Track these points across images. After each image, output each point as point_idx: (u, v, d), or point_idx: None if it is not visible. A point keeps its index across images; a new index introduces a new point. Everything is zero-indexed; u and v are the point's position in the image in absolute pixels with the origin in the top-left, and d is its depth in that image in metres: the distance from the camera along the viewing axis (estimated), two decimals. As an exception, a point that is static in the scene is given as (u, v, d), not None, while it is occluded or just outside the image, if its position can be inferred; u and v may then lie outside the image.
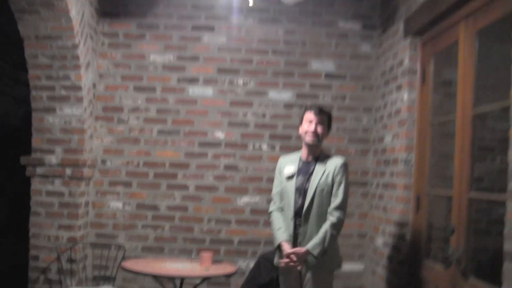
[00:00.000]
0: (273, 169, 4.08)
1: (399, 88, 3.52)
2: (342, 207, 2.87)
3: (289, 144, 4.13)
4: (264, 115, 4.17)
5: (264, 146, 4.16)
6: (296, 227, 2.91)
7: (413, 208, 3.33)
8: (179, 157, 4.14)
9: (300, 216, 2.90)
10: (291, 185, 2.95)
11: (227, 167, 4.15)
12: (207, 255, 3.48)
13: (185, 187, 4.14)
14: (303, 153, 3.02)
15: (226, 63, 4.17)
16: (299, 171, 2.97)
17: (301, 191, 2.92)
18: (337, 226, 2.86)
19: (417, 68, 3.34)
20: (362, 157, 4.14)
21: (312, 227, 2.87)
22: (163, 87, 4.16)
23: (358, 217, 4.12)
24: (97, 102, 4.14)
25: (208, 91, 4.17)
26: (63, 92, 3.81)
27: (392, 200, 3.51)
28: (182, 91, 4.15)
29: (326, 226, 2.85)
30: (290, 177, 2.97)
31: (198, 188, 4.13)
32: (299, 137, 4.14)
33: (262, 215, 4.10)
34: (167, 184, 4.14)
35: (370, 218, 4.02)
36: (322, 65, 4.20)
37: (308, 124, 2.95)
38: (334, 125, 4.09)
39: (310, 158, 2.98)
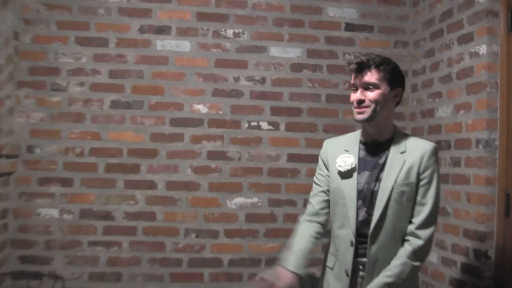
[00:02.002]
0: (277, 157, 3.78)
1: (467, 38, 3.26)
2: (431, 222, 2.34)
3: (299, 121, 3.92)
4: (263, 80, 3.91)
5: (264, 124, 3.91)
6: (357, 254, 2.39)
7: (499, 211, 2.97)
8: (142, 140, 3.81)
9: (364, 236, 2.38)
10: (350, 187, 2.42)
11: (212, 155, 3.86)
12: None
13: (151, 184, 3.80)
14: (363, 134, 2.51)
15: (209, 6, 3.91)
16: (361, 164, 2.45)
17: (366, 196, 2.40)
18: (422, 254, 2.33)
19: (499, 9, 2.99)
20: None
21: (384, 254, 2.35)
22: (119, 40, 3.82)
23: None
24: (20, 61, 3.74)
25: (184, 45, 3.88)
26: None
27: (462, 201, 3.12)
28: (146, 45, 3.85)
29: (404, 255, 2.31)
30: (347, 174, 2.45)
31: (170, 185, 3.81)
32: (315, 112, 3.84)
33: (262, 222, 3.84)
34: (125, 181, 3.79)
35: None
36: (342, 12, 4.02)
37: (353, 90, 2.45)
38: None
39: (378, 143, 2.46)
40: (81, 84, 3.76)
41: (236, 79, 3.88)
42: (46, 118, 3.74)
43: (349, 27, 4.02)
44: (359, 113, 2.37)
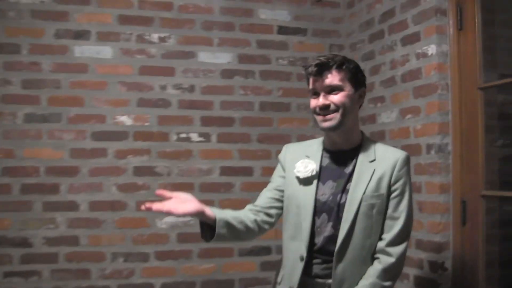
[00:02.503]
0: (209, 171, 3.75)
1: (412, 38, 3.31)
2: (403, 237, 2.29)
3: (231, 131, 3.91)
4: (192, 88, 3.87)
5: (194, 136, 3.87)
6: (310, 274, 2.33)
7: (455, 220, 3.02)
8: (61, 157, 3.67)
9: (329, 254, 2.30)
10: (307, 195, 2.36)
11: (139, 171, 3.78)
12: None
13: (73, 205, 3.67)
14: (327, 142, 2.45)
15: (132, 8, 3.81)
16: (325, 172, 2.39)
17: (332, 210, 2.32)
18: (394, 273, 2.28)
19: (448, 7, 3.06)
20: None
21: (351, 273, 2.28)
22: (32, 46, 3.65)
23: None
24: None
25: (106, 51, 3.76)
26: None
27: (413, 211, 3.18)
28: (63, 51, 3.71)
29: (374, 275, 2.25)
30: (305, 181, 2.39)
31: (94, 206, 3.70)
32: (248, 122, 3.82)
33: (195, 242, 3.74)
34: (44, 203, 3.63)
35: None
36: (274, 14, 4.05)
37: (312, 96, 2.35)
38: (293, 102, 3.82)
39: (344, 151, 2.40)
40: (-8, 96, 3.58)
41: (163, 88, 3.81)
42: None
43: (282, 30, 4.04)
44: (325, 120, 2.29)
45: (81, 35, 3.70)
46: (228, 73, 3.92)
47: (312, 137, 2.99)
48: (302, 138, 3.71)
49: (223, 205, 3.75)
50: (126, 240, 3.71)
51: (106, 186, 3.69)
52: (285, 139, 3.79)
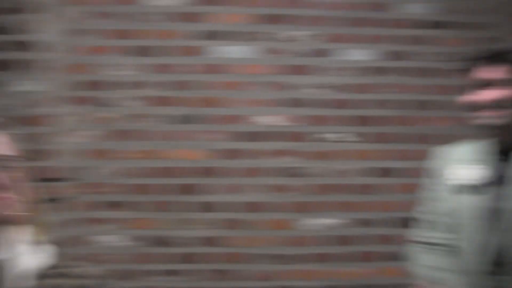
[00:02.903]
0: (348, 171, 3.64)
1: None
2: None
3: (384, 130, 3.77)
4: (335, 87, 3.77)
5: (332, 136, 3.77)
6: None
7: None
8: (200, 158, 3.67)
9: (498, 265, 2.10)
10: (472, 204, 2.15)
11: (279, 172, 3.73)
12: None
13: (212, 206, 3.69)
14: (492, 143, 2.20)
15: (267, 7, 3.76)
16: (492, 177, 2.16)
17: (497, 217, 2.10)
18: None
19: None
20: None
21: None
22: (169, 48, 3.70)
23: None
24: (67, 75, 3.66)
25: (242, 51, 3.75)
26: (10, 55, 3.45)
27: None
28: (200, 52, 3.73)
29: None
30: (471, 188, 2.17)
31: (233, 207, 3.71)
32: (401, 120, 3.67)
33: (336, 245, 3.67)
34: (190, 203, 3.68)
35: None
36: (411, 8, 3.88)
37: (475, 89, 2.12)
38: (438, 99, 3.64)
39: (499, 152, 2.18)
40: (132, 98, 3.67)
41: (303, 86, 3.74)
42: (102, 137, 3.65)
43: (423, 24, 3.86)
44: (495, 117, 2.07)
45: (215, 35, 3.71)
46: (366, 71, 3.80)
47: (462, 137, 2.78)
48: (451, 138, 3.52)
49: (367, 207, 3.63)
50: (266, 241, 3.68)
51: (246, 187, 3.68)
52: (430, 139, 3.62)
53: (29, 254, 1.59)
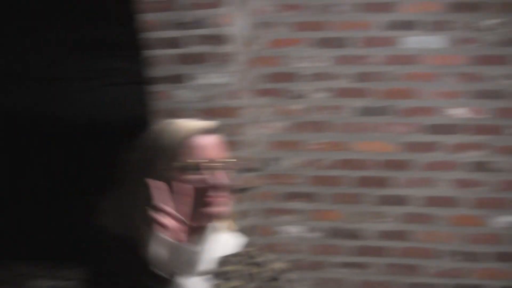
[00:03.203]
0: None
1: None
2: None
3: None
4: None
5: None
6: None
7: None
8: (393, 150, 3.60)
9: None
10: None
11: (475, 166, 3.55)
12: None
13: (406, 200, 3.57)
14: None
15: None
16: None
17: None
18: None
19: None
20: None
21: None
22: (361, 39, 3.63)
23: None
24: (258, 68, 3.70)
25: (436, 41, 3.59)
26: (199, 48, 3.44)
27: None
28: (392, 43, 3.62)
29: None
30: None
31: (427, 201, 3.57)
32: None
33: None
34: (377, 196, 3.61)
35: None
36: None
37: None
38: None
39: None
40: (324, 90, 3.65)
41: (501, 77, 3.54)
42: (287, 128, 3.68)
43: None
44: None
45: (409, 25, 3.60)
46: None
47: None
48: None
49: None
50: (460, 238, 3.54)
51: (441, 181, 3.55)
52: None
53: (222, 241, 1.65)
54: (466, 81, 3.55)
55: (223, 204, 1.60)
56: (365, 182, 3.61)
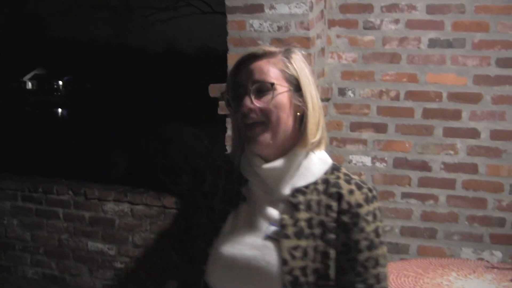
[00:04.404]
0: None
1: None
2: None
3: None
4: None
5: None
6: None
7: None
8: (464, 83, 3.56)
9: None
10: None
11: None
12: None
13: (474, 133, 3.56)
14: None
15: None
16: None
17: None
18: None
19: None
20: None
21: None
22: None
23: None
24: None
25: None
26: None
27: None
28: None
29: None
30: None
31: (495, 135, 3.54)
32: None
33: None
34: (445, 128, 3.60)
35: None
36: None
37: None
38: None
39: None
40: (396, 21, 3.63)
41: None
42: (358, 59, 3.69)
43: None
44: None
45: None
46: None
47: None
48: None
49: None
50: (526, 173, 3.51)
51: (509, 115, 3.50)
52: None
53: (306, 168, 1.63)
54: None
55: (256, 131, 1.54)
56: (434, 114, 3.60)
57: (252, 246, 1.55)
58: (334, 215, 1.52)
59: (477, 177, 3.55)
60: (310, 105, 1.56)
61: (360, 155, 3.70)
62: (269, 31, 3.52)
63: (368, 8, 3.64)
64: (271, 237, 1.54)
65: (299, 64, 1.58)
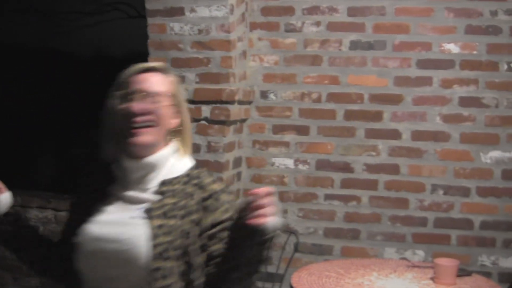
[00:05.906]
0: None
1: None
2: None
3: None
4: None
5: None
6: None
7: None
8: (385, 85, 3.59)
9: None
10: None
11: (465, 101, 3.54)
12: (447, 265, 2.64)
13: (395, 134, 3.59)
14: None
15: None
16: None
17: None
18: None
19: None
20: None
21: None
22: None
23: None
24: (251, 1, 3.69)
25: None
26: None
27: None
28: None
29: None
30: None
31: (416, 135, 3.58)
32: None
33: None
34: (366, 130, 3.63)
35: None
36: None
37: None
38: None
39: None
40: (317, 23, 3.64)
41: (493, 13, 3.51)
42: (280, 62, 3.69)
43: None
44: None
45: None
46: None
47: None
48: None
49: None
50: (447, 172, 3.56)
51: (430, 116, 3.56)
52: None
53: (171, 164, 1.89)
54: (458, 16, 3.52)
55: (140, 132, 1.74)
56: (355, 115, 3.61)
57: (120, 224, 1.71)
58: (198, 200, 1.75)
59: (399, 178, 3.58)
60: (185, 118, 1.86)
61: (282, 157, 3.68)
62: (189, 34, 3.49)
63: (290, 11, 3.64)
64: (140, 217, 1.71)
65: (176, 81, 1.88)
